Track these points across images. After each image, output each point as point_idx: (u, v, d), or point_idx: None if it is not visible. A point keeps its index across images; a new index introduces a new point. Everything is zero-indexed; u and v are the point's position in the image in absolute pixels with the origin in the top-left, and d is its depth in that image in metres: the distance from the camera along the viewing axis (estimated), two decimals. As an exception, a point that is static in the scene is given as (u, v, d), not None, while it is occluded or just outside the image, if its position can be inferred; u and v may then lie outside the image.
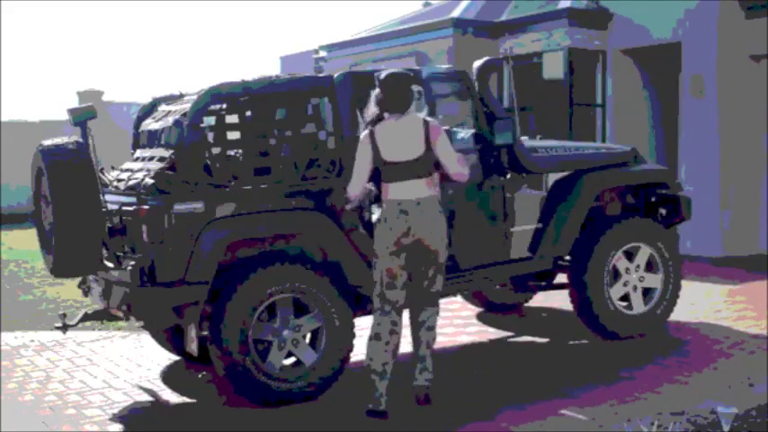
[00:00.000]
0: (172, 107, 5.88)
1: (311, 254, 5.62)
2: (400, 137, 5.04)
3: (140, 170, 5.63)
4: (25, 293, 9.88)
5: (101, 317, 6.06)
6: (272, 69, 26.08)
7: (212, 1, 62.26)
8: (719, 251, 10.86)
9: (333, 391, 5.51)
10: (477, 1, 13.56)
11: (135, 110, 6.85)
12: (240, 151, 5.93)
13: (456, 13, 13.25)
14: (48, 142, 5.27)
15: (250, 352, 5.27)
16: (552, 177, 6.91)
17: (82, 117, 5.41)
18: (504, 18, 13.03)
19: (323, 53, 16.58)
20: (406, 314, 5.22)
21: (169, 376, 6.28)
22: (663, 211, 7.15)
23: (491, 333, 7.28)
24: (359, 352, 5.64)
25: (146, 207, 5.14)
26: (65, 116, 5.59)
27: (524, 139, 6.84)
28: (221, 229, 5.25)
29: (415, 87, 5.46)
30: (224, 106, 5.86)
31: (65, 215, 5.03)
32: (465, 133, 6.17)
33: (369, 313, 5.48)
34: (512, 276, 6.65)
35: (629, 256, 6.76)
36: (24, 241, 14.09)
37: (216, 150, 5.70)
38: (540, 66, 12.40)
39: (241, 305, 5.24)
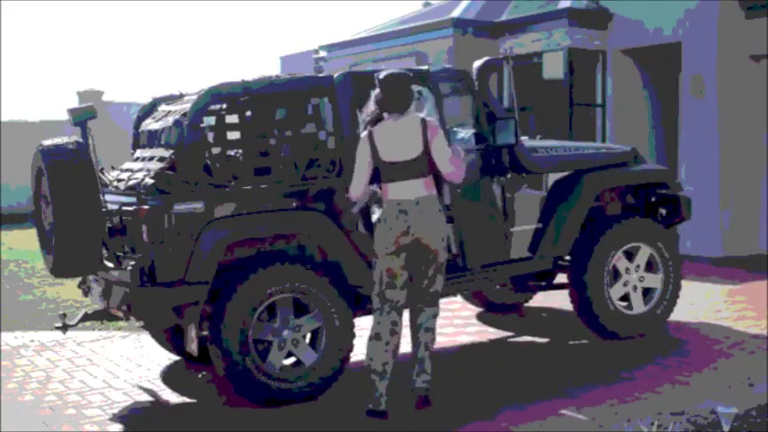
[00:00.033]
0: (172, 107, 5.88)
1: (311, 254, 5.62)
2: (399, 137, 5.03)
3: (140, 170, 5.63)
4: (25, 293, 9.88)
5: (101, 317, 6.06)
6: (272, 69, 26.12)
7: (212, 1, 62.31)
8: (719, 251, 10.86)
9: (333, 391, 5.50)
10: (477, 1, 13.56)
11: (135, 110, 6.85)
12: (240, 151, 5.92)
13: (456, 13, 13.25)
14: (48, 142, 5.27)
15: (250, 352, 5.27)
16: (552, 177, 6.90)
17: (82, 117, 5.41)
18: (504, 18, 13.03)
19: (323, 53, 16.58)
20: (406, 314, 5.22)
21: (169, 376, 6.28)
22: (663, 211, 7.15)
23: (491, 333, 7.28)
24: (359, 352, 5.63)
25: (146, 207, 5.14)
26: (65, 116, 5.59)
27: (524, 139, 6.83)
28: (221, 229, 5.24)
29: (415, 87, 5.45)
30: (224, 106, 5.84)
31: (65, 215, 5.03)
32: (465, 133, 6.17)
33: (369, 313, 5.47)
34: (512, 276, 6.66)
35: (629, 256, 6.76)
36: (24, 241, 14.09)
37: (216, 150, 5.69)
38: (540, 66, 12.40)
39: (241, 305, 5.24)
